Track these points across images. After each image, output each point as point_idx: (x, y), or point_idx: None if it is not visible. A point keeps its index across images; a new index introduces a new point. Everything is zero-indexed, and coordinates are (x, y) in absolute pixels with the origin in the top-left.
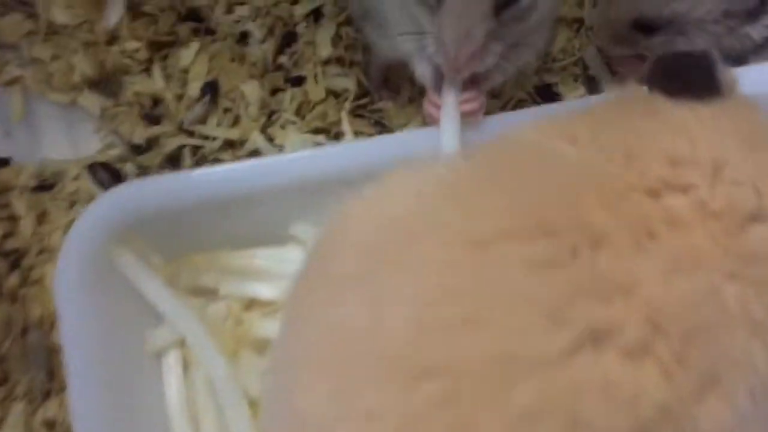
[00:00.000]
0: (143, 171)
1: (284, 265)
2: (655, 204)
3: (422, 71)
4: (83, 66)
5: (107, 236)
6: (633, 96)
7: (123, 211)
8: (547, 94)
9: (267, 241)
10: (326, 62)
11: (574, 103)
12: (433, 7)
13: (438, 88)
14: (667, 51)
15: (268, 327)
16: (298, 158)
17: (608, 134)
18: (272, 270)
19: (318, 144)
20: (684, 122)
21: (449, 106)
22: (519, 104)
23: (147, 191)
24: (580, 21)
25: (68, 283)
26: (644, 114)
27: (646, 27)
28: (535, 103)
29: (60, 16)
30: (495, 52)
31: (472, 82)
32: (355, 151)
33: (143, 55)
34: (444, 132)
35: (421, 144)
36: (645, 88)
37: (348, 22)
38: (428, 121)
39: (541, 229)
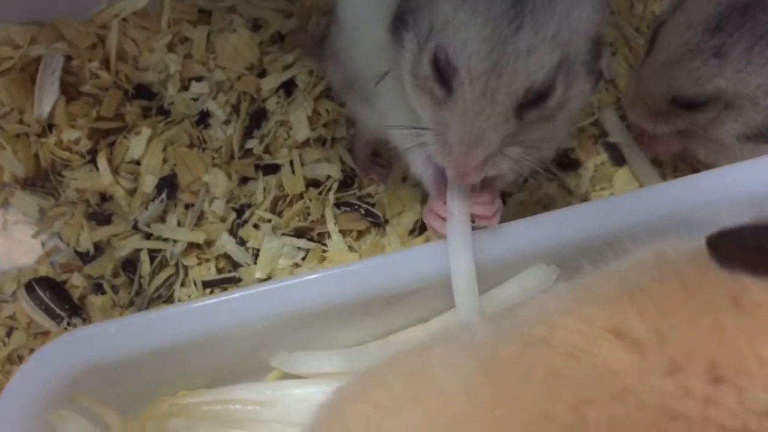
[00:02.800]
0: (93, 282)
1: (263, 409)
2: None
3: (420, 171)
4: (13, 163)
5: (49, 399)
6: (703, 272)
7: (66, 367)
8: (565, 162)
9: (245, 375)
10: (303, 144)
11: (611, 202)
12: (440, 100)
13: (441, 192)
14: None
15: None
16: (272, 291)
17: (682, 337)
18: (250, 416)
19: (299, 249)
20: None
21: (457, 218)
22: (534, 176)
23: (96, 341)
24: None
25: None
26: (729, 306)
27: (686, 104)
28: (550, 173)
29: None
30: (512, 157)
31: (483, 184)
32: (346, 278)
33: (85, 145)
34: (453, 254)
35: (420, 266)
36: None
37: (326, 93)
38: (431, 233)
39: None
